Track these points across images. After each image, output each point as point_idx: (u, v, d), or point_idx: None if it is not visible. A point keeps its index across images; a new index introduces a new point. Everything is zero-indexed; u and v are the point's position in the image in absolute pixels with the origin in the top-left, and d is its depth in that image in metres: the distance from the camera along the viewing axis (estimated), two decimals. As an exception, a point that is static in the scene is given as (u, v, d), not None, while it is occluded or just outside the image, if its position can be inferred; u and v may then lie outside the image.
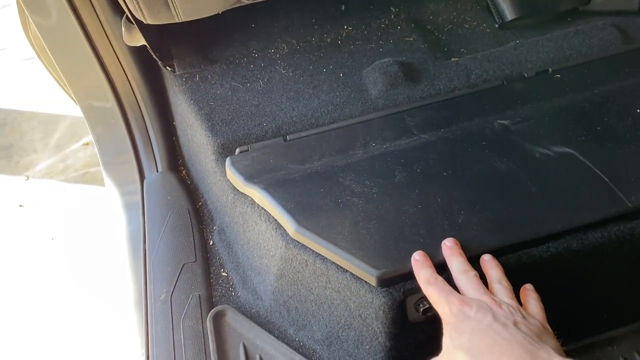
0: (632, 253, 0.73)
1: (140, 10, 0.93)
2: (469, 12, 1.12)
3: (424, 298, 0.71)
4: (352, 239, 0.73)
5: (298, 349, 0.86)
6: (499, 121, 0.86)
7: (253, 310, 0.92)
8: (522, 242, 0.70)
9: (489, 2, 1.09)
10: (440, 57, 1.03)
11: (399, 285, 0.70)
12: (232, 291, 0.96)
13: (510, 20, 1.05)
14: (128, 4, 0.92)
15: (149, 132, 1.16)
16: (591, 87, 0.89)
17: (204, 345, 0.88)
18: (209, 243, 1.03)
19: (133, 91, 1.13)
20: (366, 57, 1.05)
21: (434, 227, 0.72)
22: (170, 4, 0.93)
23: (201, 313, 0.93)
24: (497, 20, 1.07)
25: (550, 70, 0.95)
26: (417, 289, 0.70)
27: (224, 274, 0.98)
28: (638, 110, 0.82)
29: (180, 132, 1.16)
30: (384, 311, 0.71)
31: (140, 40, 1.05)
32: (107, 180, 1.16)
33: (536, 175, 0.76)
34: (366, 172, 0.81)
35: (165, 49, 1.11)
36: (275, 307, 0.89)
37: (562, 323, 0.78)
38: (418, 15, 1.13)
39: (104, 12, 1.02)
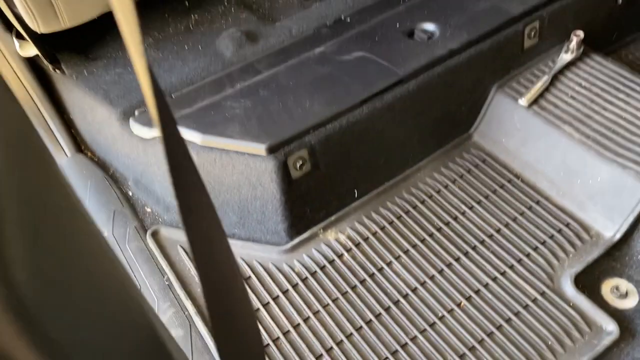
0: (411, 104, 1.18)
1: (36, 20, 1.19)
2: (279, -9, 1.54)
3: (298, 158, 1.09)
4: (243, 131, 1.08)
5: (222, 237, 1.18)
6: (317, 49, 1.27)
7: (180, 225, 1.22)
8: (347, 108, 1.11)
9: (291, -19, 1.52)
10: (268, 23, 1.43)
11: (280, 150, 1.07)
12: (159, 219, 1.25)
13: (309, -9, 1.49)
14: (25, 17, 1.18)
15: (51, 128, 1.39)
16: (370, 20, 1.34)
17: (151, 255, 1.17)
18: (129, 195, 1.31)
19: (31, 97, 1.36)
20: (215, 33, 1.41)
21: (293, 112, 1.10)
22: (57, 12, 1.21)
23: (140, 237, 1.21)
24: (301, -7, 1.51)
25: (343, 16, 1.39)
26: (292, 151, 1.08)
27: (148, 209, 1.27)
28: (398, 24, 1.29)
29: (78, 122, 1.41)
30: (275, 171, 1.07)
31: (32, 51, 1.30)
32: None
33: (345, 70, 1.18)
34: (239, 95, 1.17)
35: (52, 56, 1.36)
36: (197, 214, 1.20)
37: (383, 164, 1.21)
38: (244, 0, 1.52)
39: (-4, 31, 1.26)
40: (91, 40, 1.42)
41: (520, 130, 1.23)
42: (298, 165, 1.09)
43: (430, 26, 1.27)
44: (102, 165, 1.38)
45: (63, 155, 1.39)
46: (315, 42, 1.32)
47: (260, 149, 1.06)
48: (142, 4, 1.46)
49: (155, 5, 1.49)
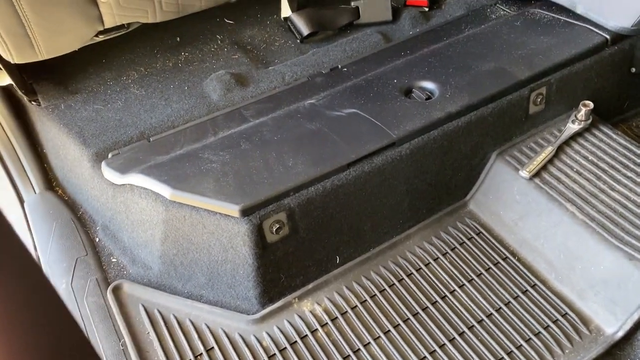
0: (404, 169, 1.10)
1: (9, 51, 1.12)
2: (276, 34, 1.47)
3: (275, 221, 1.00)
4: (217, 189, 0.99)
5: (188, 298, 1.08)
6: (308, 101, 1.19)
7: (145, 281, 1.12)
8: (333, 170, 1.03)
9: (290, 24, 1.45)
10: (261, 67, 1.36)
11: (255, 213, 0.98)
12: (123, 271, 1.15)
13: (306, 36, 1.41)
14: (-4, 46, 1.11)
15: (22, 161, 1.31)
16: (366, 72, 1.27)
17: (109, 313, 1.07)
18: (95, 240, 1.21)
19: (2, 127, 1.28)
20: (204, 73, 1.33)
21: (274, 171, 1.02)
22: (34, 43, 1.14)
23: (101, 291, 1.11)
24: (298, 37, 1.43)
25: (340, 66, 1.32)
26: (269, 214, 0.99)
27: (113, 260, 1.17)
28: (395, 81, 1.21)
29: (51, 157, 1.33)
30: (248, 235, 0.98)
31: (5, 80, 1.22)
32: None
33: (335, 129, 1.09)
34: (219, 147, 1.09)
35: (28, 87, 1.28)
36: (163, 270, 1.10)
37: (369, 229, 1.12)
38: (239, 39, 1.45)
39: (-31, 58, 1.18)
40: (72, 72, 1.34)
41: (519, 203, 1.14)
42: (274, 229, 1.00)
43: (429, 85, 1.19)
44: (71, 205, 1.29)
45: (31, 192, 1.30)
46: (307, 91, 1.24)
47: (233, 210, 0.97)
48: (132, 36, 1.39)
49: (145, 38, 1.42)
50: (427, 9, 1.50)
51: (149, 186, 1.04)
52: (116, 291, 1.10)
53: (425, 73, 1.23)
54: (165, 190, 1.01)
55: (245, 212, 0.97)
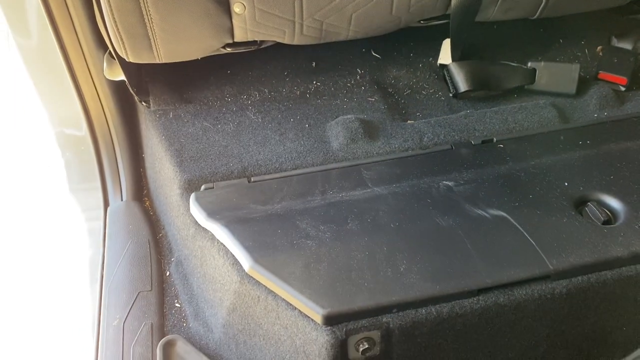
0: (553, 310, 0.82)
1: (125, 49, 0.99)
2: (427, 80, 1.23)
3: (365, 339, 0.77)
4: (303, 278, 0.79)
5: (243, 382, 0.90)
6: (444, 182, 0.94)
7: (203, 342, 0.95)
8: (456, 293, 0.78)
9: (445, 73, 1.20)
10: (397, 118, 1.13)
11: (342, 324, 0.76)
12: (184, 322, 0.99)
13: (463, 92, 1.16)
14: (113, 42, 0.99)
15: (118, 162, 1.20)
16: (529, 159, 0.99)
17: (152, 374, 0.91)
18: (166, 274, 1.07)
19: (107, 122, 1.18)
20: (331, 112, 1.13)
21: (378, 273, 0.79)
22: (154, 46, 1.00)
23: (152, 341, 0.96)
24: (452, 90, 1.18)
25: (495, 139, 1.05)
26: (359, 330, 0.76)
27: (177, 304, 1.02)
28: (566, 183, 0.92)
29: (148, 165, 1.21)
30: (326, 349, 0.76)
31: (119, 75, 1.11)
32: (72, 205, 1.19)
33: (472, 234, 0.84)
34: (321, 218, 0.88)
35: (142, 85, 1.17)
36: (224, 340, 0.93)
37: (488, 371, 0.85)
38: (381, 79, 1.23)
39: (88, 45, 1.08)
40: (191, 77, 1.21)
41: None
42: (361, 349, 0.77)
43: (612, 202, 0.89)
44: (154, 223, 1.16)
45: (119, 198, 1.19)
46: (447, 165, 0.99)
47: (315, 314, 0.76)
48: (264, 50, 1.22)
49: (278, 55, 1.25)
50: (623, 89, 1.18)
51: (230, 247, 0.86)
52: (168, 347, 0.94)
53: (610, 182, 0.92)
54: (245, 260, 0.83)
55: (330, 321, 0.76)
